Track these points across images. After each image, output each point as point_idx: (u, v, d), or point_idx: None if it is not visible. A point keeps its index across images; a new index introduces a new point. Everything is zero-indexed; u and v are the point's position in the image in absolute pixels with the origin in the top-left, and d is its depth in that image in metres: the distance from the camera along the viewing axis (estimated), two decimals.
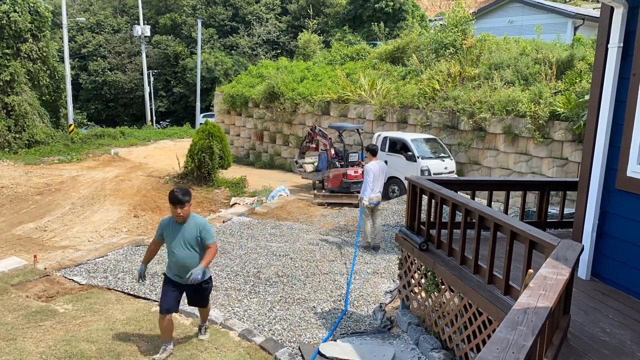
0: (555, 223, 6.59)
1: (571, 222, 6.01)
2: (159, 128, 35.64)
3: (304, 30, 34.58)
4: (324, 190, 14.67)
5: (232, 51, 40.45)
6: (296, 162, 16.17)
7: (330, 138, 14.92)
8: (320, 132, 15.15)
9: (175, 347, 5.42)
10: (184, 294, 5.40)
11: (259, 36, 40.92)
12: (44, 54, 24.21)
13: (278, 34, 41.20)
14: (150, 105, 38.33)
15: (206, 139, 15.85)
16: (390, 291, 7.40)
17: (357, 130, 16.04)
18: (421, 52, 19.95)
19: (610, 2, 4.61)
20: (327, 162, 14.80)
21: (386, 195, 14.91)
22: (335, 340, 5.76)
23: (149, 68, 38.49)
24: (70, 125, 25.92)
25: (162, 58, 42.22)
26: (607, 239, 4.84)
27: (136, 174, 17.82)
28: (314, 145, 15.71)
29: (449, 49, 18.36)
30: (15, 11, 22.57)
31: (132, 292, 6.97)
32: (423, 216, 6.10)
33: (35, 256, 8.20)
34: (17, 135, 22.63)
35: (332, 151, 14.62)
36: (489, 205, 6.24)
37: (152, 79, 40.04)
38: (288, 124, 21.16)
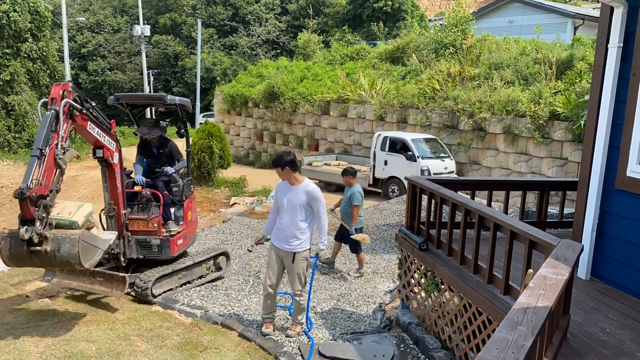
0: (555, 223, 6.59)
1: (571, 222, 6.01)
2: None
3: (303, 30, 34.60)
4: None
5: (232, 51, 40.44)
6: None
7: (109, 126, 6.12)
8: (89, 110, 5.65)
9: (175, 347, 5.42)
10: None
11: (259, 36, 40.90)
12: (44, 54, 24.20)
13: (278, 33, 41.18)
14: None
15: (206, 138, 15.86)
16: (390, 291, 7.41)
17: (161, 100, 7.29)
18: (421, 52, 19.96)
19: (610, 2, 4.61)
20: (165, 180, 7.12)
21: (386, 195, 14.93)
22: (335, 340, 5.76)
23: (148, 68, 38.47)
24: None
25: (162, 58, 42.20)
26: (606, 239, 4.84)
27: None
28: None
29: (449, 49, 18.37)
30: (15, 11, 22.55)
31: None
32: (423, 216, 6.10)
33: None
34: (17, 135, 22.63)
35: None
36: (489, 205, 6.24)
37: (151, 78, 40.01)
38: (288, 124, 21.16)
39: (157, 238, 6.66)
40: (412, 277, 5.99)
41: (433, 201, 5.61)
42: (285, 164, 5.40)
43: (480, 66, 16.96)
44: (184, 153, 7.54)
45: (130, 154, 24.31)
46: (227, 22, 41.96)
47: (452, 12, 19.56)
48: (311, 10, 38.63)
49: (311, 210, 5.52)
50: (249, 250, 6.18)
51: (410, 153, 14.29)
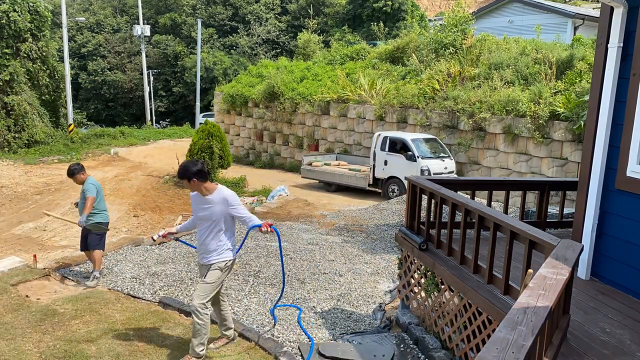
0: (555, 223, 6.59)
1: (571, 222, 6.01)
2: (158, 128, 35.62)
3: (303, 30, 34.61)
4: None
5: (232, 51, 40.46)
6: None
7: None
8: None
9: (175, 347, 5.42)
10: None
11: (259, 36, 40.93)
12: (44, 54, 24.21)
13: (278, 33, 41.20)
14: (150, 105, 38.30)
15: (206, 138, 15.85)
16: (390, 291, 7.41)
17: None
18: (421, 52, 19.96)
19: (610, 2, 4.61)
20: None
21: (386, 195, 14.93)
22: (335, 340, 5.76)
23: (148, 68, 38.48)
24: (70, 125, 25.92)
25: (162, 58, 42.23)
26: (606, 239, 4.84)
27: (136, 174, 17.81)
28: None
29: (449, 49, 18.37)
30: (15, 11, 22.55)
31: (131, 292, 6.97)
32: (423, 216, 6.10)
33: (34, 256, 8.19)
34: (16, 135, 22.63)
35: None
36: (489, 205, 6.24)
37: (151, 78, 40.03)
38: (288, 124, 21.16)
39: None
40: (412, 277, 5.99)
41: (433, 201, 5.61)
42: (192, 176, 4.89)
43: (480, 66, 16.96)
44: None
45: (129, 153, 24.18)
46: (227, 22, 41.98)
47: (452, 12, 19.55)
48: (311, 10, 38.65)
49: (231, 217, 5.10)
50: (152, 239, 5.79)
51: (410, 153, 14.29)
